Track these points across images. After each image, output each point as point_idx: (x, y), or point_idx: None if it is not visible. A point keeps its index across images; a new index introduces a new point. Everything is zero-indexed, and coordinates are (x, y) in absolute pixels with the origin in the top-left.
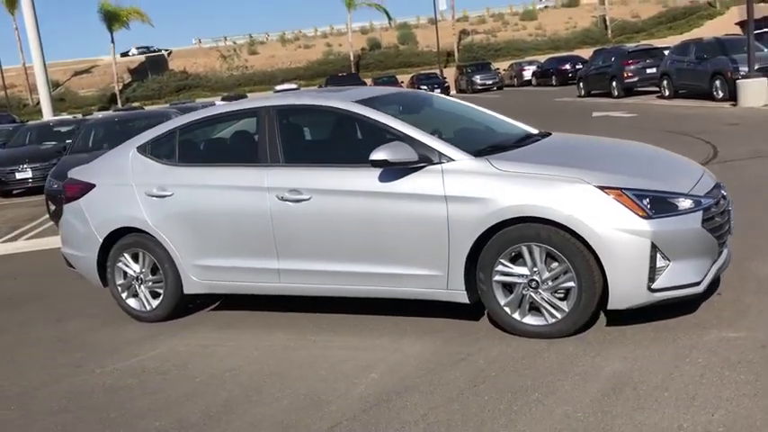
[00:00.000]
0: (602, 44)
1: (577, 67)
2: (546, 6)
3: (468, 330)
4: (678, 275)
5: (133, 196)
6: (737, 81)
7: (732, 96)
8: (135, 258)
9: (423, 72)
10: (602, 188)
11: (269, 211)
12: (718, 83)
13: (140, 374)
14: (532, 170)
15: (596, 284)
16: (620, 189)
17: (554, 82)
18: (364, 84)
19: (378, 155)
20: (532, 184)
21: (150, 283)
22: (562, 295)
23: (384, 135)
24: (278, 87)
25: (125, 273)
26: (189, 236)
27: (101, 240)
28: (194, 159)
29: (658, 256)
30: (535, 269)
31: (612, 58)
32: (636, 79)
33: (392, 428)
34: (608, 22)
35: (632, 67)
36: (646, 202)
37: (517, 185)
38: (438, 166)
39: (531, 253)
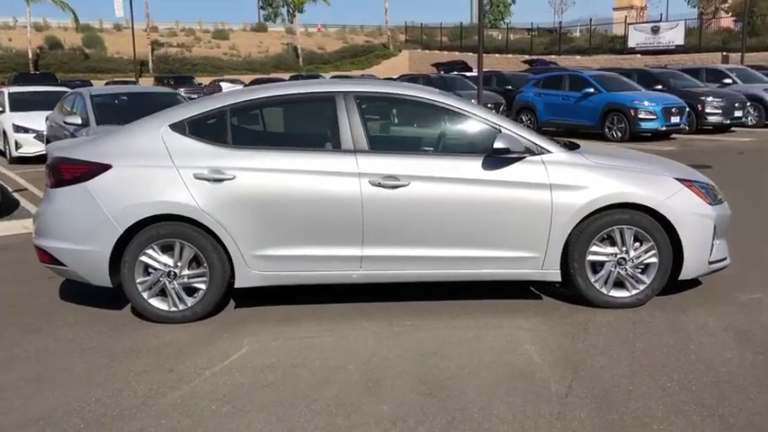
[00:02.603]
0: (295, 71)
1: None
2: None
3: (548, 307)
4: (719, 251)
5: (177, 179)
6: None
7: None
8: (166, 250)
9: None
10: (679, 180)
11: (360, 197)
12: None
13: (272, 370)
14: (620, 164)
15: (671, 260)
16: (691, 181)
17: None
18: (59, 83)
19: (500, 143)
20: (627, 175)
21: (186, 279)
22: (641, 270)
23: (479, 127)
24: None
25: (148, 268)
26: (252, 223)
27: (121, 231)
28: (257, 141)
29: (715, 235)
30: (624, 248)
31: None
32: None
33: (623, 378)
34: (299, 51)
35: None
36: (705, 191)
37: (614, 176)
38: (538, 157)
39: (622, 234)
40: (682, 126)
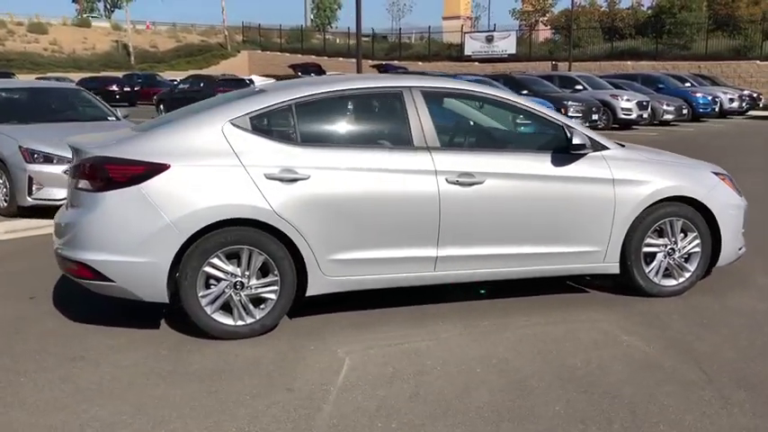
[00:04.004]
0: (127, 69)
1: (125, 89)
2: None
3: (602, 299)
4: (741, 240)
5: (247, 180)
6: None
7: None
8: (231, 259)
9: None
10: (716, 174)
11: (437, 195)
12: None
13: (401, 380)
14: (668, 159)
15: (710, 248)
16: (725, 175)
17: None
18: None
19: (578, 140)
20: (677, 170)
21: (253, 289)
22: (685, 259)
23: (543, 124)
24: None
25: (210, 279)
26: (328, 225)
27: (183, 239)
28: (326, 138)
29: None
30: (673, 239)
31: (201, 84)
32: None
33: (740, 362)
34: (131, 49)
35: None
36: (734, 184)
37: (667, 171)
38: (599, 153)
39: (671, 226)
40: None
